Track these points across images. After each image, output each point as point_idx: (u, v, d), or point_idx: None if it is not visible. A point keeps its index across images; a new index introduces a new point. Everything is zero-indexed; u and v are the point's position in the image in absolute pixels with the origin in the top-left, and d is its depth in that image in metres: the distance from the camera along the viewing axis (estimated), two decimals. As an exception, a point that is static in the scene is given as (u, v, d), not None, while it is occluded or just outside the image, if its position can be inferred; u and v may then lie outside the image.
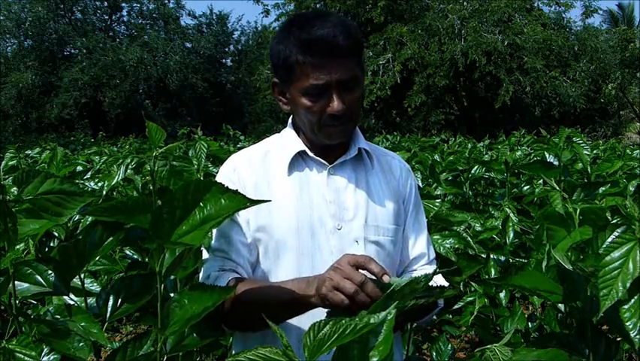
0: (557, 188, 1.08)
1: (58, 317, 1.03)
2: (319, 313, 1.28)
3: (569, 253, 1.05)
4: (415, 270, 1.46)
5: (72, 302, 1.37)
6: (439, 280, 1.46)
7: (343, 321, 0.66)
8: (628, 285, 0.92)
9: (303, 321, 1.29)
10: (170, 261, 1.05)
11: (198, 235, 0.93)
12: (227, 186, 0.96)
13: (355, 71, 1.29)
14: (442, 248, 1.84)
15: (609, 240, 0.95)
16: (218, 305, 1.00)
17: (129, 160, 1.77)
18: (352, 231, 1.34)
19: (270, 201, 1.09)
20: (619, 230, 0.95)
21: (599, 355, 1.04)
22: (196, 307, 0.98)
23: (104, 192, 1.91)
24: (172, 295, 1.08)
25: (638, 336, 0.94)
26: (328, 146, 1.36)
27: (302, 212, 1.32)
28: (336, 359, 0.67)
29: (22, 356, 0.96)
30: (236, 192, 0.96)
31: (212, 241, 1.34)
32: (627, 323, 0.94)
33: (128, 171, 1.78)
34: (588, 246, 1.00)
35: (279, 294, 1.20)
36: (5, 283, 1.02)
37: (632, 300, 0.94)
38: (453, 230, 1.93)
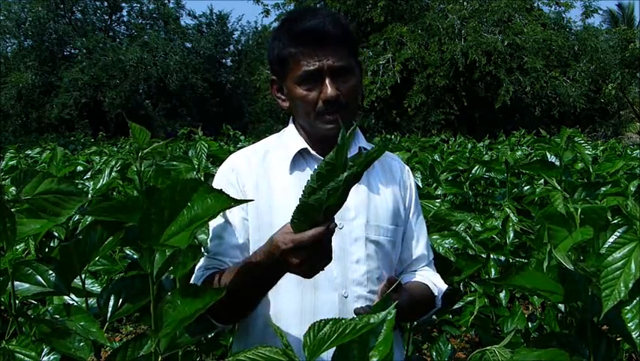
0: (559, 188, 1.08)
1: (58, 316, 1.02)
2: (319, 309, 1.29)
3: (570, 253, 1.05)
4: (416, 271, 1.46)
5: (72, 302, 1.37)
6: (437, 282, 1.46)
7: (343, 321, 0.66)
8: (630, 285, 0.92)
9: (304, 321, 1.29)
10: (161, 261, 1.05)
11: (185, 237, 0.92)
12: (212, 186, 0.96)
13: (348, 60, 1.32)
14: (441, 248, 1.84)
15: (611, 240, 0.95)
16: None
17: (113, 163, 1.77)
18: (354, 230, 1.34)
19: (252, 200, 1.11)
20: (620, 230, 0.95)
21: (600, 355, 1.04)
22: (188, 309, 0.97)
23: (90, 196, 1.91)
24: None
25: (640, 337, 0.94)
26: (328, 141, 1.36)
27: None
28: (337, 358, 0.67)
29: (22, 357, 0.96)
30: (220, 191, 0.95)
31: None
32: (629, 324, 0.94)
33: (113, 174, 1.78)
34: (589, 246, 1.00)
35: (247, 267, 1.21)
36: (4, 284, 1.02)
37: (634, 301, 0.94)
38: (452, 230, 1.93)
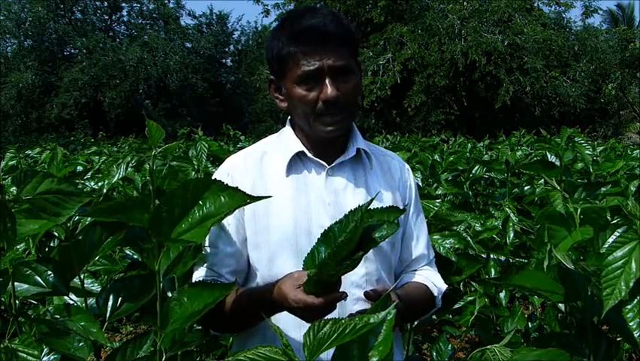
0: (558, 188, 1.08)
1: (58, 316, 1.02)
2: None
3: (570, 253, 1.05)
4: (416, 270, 1.46)
5: (72, 302, 1.37)
6: (437, 282, 1.45)
7: (343, 321, 0.66)
8: (631, 284, 0.92)
9: (303, 323, 1.29)
10: (165, 260, 1.05)
11: (199, 233, 0.93)
12: (226, 184, 0.96)
13: (348, 61, 1.30)
14: (441, 248, 1.84)
15: (611, 240, 0.95)
16: (212, 310, 1.01)
17: (129, 159, 1.76)
18: (351, 232, 1.33)
19: (269, 197, 1.08)
20: (620, 230, 0.95)
21: (600, 355, 1.03)
22: (196, 305, 0.98)
23: (104, 191, 1.91)
24: (169, 293, 1.08)
25: (642, 336, 0.94)
26: (326, 144, 1.35)
27: (300, 215, 1.31)
28: (336, 358, 0.66)
29: (25, 356, 0.97)
30: (236, 189, 0.96)
31: (202, 251, 1.35)
32: (631, 323, 0.94)
33: (129, 169, 1.77)
34: (589, 246, 1.00)
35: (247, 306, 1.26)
36: (5, 284, 1.02)
37: (635, 300, 0.94)
38: (453, 230, 1.93)
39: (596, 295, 0.96)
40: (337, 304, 1.29)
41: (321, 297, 1.06)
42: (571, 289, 1.04)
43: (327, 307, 1.08)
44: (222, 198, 0.95)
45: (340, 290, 1.30)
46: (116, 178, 1.80)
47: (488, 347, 1.07)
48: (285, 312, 1.29)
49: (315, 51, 1.26)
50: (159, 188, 1.27)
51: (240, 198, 0.95)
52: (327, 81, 1.27)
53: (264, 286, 1.24)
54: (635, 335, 0.93)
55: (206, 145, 2.69)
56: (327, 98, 1.27)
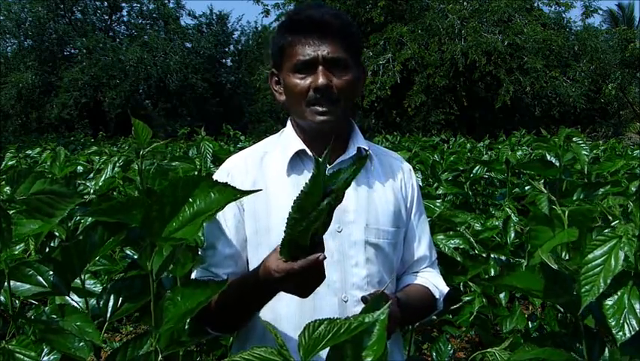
0: (544, 190, 1.09)
1: (54, 317, 1.03)
2: (319, 313, 1.29)
3: (559, 252, 1.05)
4: (418, 272, 1.46)
5: (73, 303, 1.38)
6: (439, 284, 1.45)
7: (338, 320, 0.67)
8: (609, 281, 0.92)
9: (302, 322, 1.29)
10: (159, 259, 1.05)
11: (190, 230, 0.93)
12: (216, 180, 0.96)
13: (345, 54, 1.31)
14: (446, 248, 1.85)
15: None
16: (205, 307, 1.01)
17: (116, 159, 1.77)
18: (353, 233, 1.33)
19: (260, 190, 1.07)
20: (606, 231, 0.95)
21: (595, 354, 1.04)
22: (189, 303, 0.98)
23: (91, 192, 1.92)
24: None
25: (620, 332, 0.94)
26: (324, 138, 1.32)
27: None
28: (331, 359, 0.67)
29: (22, 357, 0.97)
30: (225, 184, 0.96)
31: (200, 251, 1.34)
32: (610, 320, 0.94)
33: (116, 169, 1.78)
34: (576, 247, 1.00)
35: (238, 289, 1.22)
36: (1, 284, 1.02)
37: (615, 296, 0.94)
38: (458, 231, 1.93)
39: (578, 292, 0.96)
40: (339, 306, 1.30)
41: (300, 260, 1.03)
42: (561, 289, 1.04)
43: (309, 271, 1.03)
44: (212, 194, 0.95)
45: (341, 293, 1.30)
46: (102, 178, 1.81)
47: (488, 350, 1.08)
48: (285, 314, 1.30)
49: (311, 41, 1.29)
50: (151, 188, 1.27)
51: (230, 194, 0.95)
52: (319, 70, 1.28)
53: (252, 270, 1.22)
54: (614, 331, 0.93)
55: (210, 145, 2.67)
56: (317, 85, 1.28)
